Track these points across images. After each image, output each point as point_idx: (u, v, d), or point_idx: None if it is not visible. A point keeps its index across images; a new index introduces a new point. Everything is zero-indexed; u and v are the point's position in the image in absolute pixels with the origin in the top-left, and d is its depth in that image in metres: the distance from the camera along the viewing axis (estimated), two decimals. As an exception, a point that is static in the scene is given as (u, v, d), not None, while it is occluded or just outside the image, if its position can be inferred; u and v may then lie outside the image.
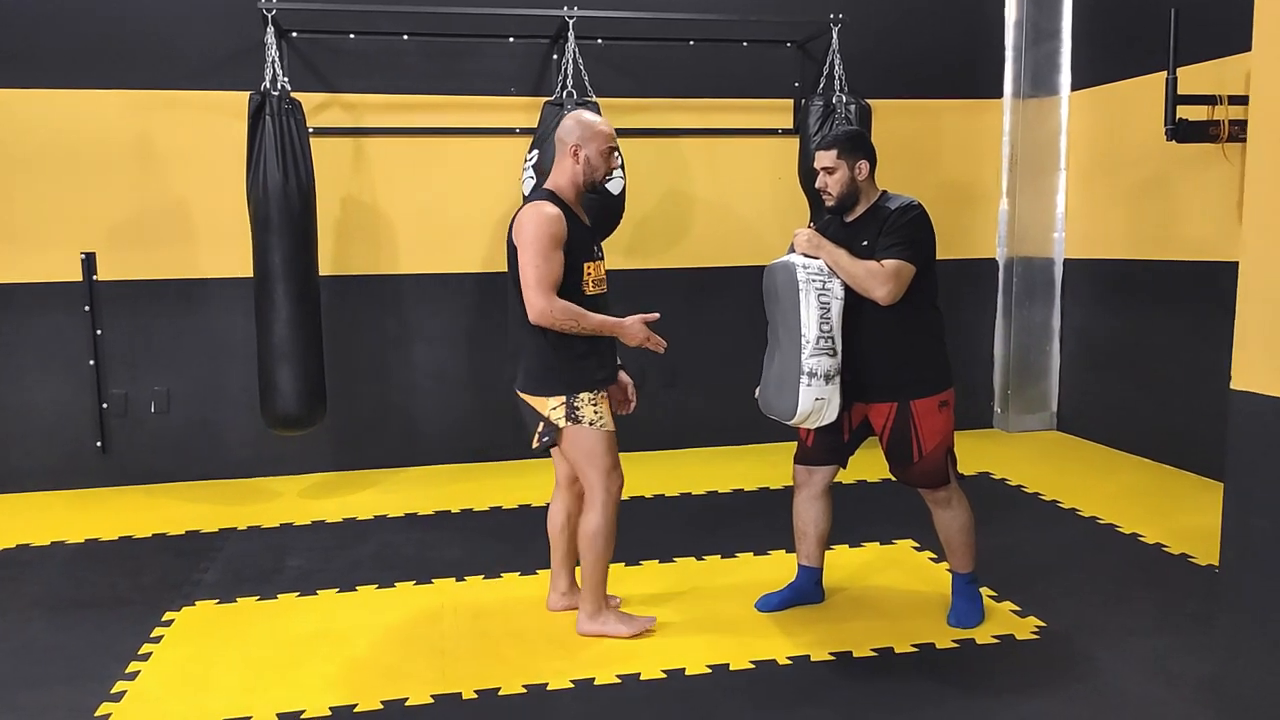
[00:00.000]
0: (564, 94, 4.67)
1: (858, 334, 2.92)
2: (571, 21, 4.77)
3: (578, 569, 3.17)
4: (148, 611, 3.34)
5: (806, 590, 3.31)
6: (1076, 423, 5.84)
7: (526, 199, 2.93)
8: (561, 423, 2.89)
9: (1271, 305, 1.69)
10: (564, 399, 2.88)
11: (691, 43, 5.36)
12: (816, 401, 2.85)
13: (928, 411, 2.98)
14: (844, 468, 3.22)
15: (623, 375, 3.13)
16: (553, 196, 2.89)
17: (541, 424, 2.91)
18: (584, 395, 2.89)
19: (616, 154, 3.02)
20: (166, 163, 4.91)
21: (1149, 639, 3.00)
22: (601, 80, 4.96)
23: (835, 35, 5.13)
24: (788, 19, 5.36)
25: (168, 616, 3.30)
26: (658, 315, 2.99)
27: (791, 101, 5.52)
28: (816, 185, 3.05)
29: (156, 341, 5.01)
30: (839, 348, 2.87)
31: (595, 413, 2.91)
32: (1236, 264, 4.55)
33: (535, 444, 2.95)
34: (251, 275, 4.47)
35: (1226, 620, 1.99)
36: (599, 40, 5.19)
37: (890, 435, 3.01)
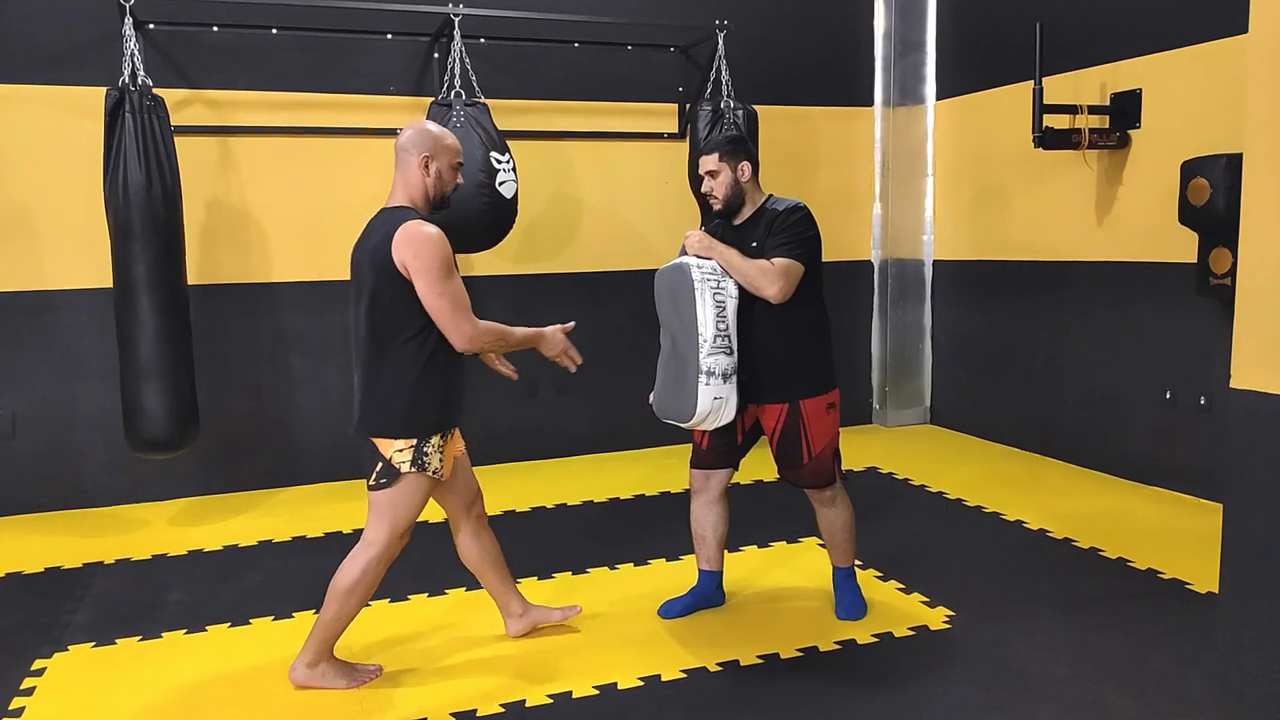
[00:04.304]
0: (451, 94, 4.52)
1: (749, 334, 2.95)
2: (457, 19, 4.62)
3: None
4: (14, 660, 3.00)
5: (709, 594, 3.31)
6: (948, 416, 6.12)
7: (384, 218, 2.68)
8: (405, 467, 2.64)
9: (1270, 301, 1.74)
10: (414, 442, 2.65)
11: (576, 45, 5.30)
12: (715, 401, 2.86)
13: (817, 414, 3.03)
14: (736, 470, 3.24)
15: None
16: (418, 214, 2.69)
17: (380, 465, 2.66)
18: (434, 440, 2.68)
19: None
20: (9, 164, 4.46)
21: (1051, 621, 3.15)
22: (484, 80, 4.83)
23: (721, 42, 5.18)
24: (671, 23, 5.38)
25: (38, 665, 2.98)
26: (574, 324, 2.93)
27: (676, 106, 5.54)
28: (702, 190, 3.08)
29: (-2, 360, 4.54)
30: (735, 346, 2.90)
31: (440, 460, 2.70)
32: (1092, 263, 4.88)
33: (370, 484, 2.71)
34: (110, 286, 4.11)
35: (1228, 638, 1.93)
36: (482, 40, 5.06)
37: (781, 437, 3.05)
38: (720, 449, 3.15)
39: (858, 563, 3.42)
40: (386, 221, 2.65)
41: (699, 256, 2.96)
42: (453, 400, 2.74)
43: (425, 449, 2.66)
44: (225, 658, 3.03)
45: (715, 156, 3.00)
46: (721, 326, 2.86)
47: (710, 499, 3.21)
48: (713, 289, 2.87)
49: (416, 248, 2.55)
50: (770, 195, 3.08)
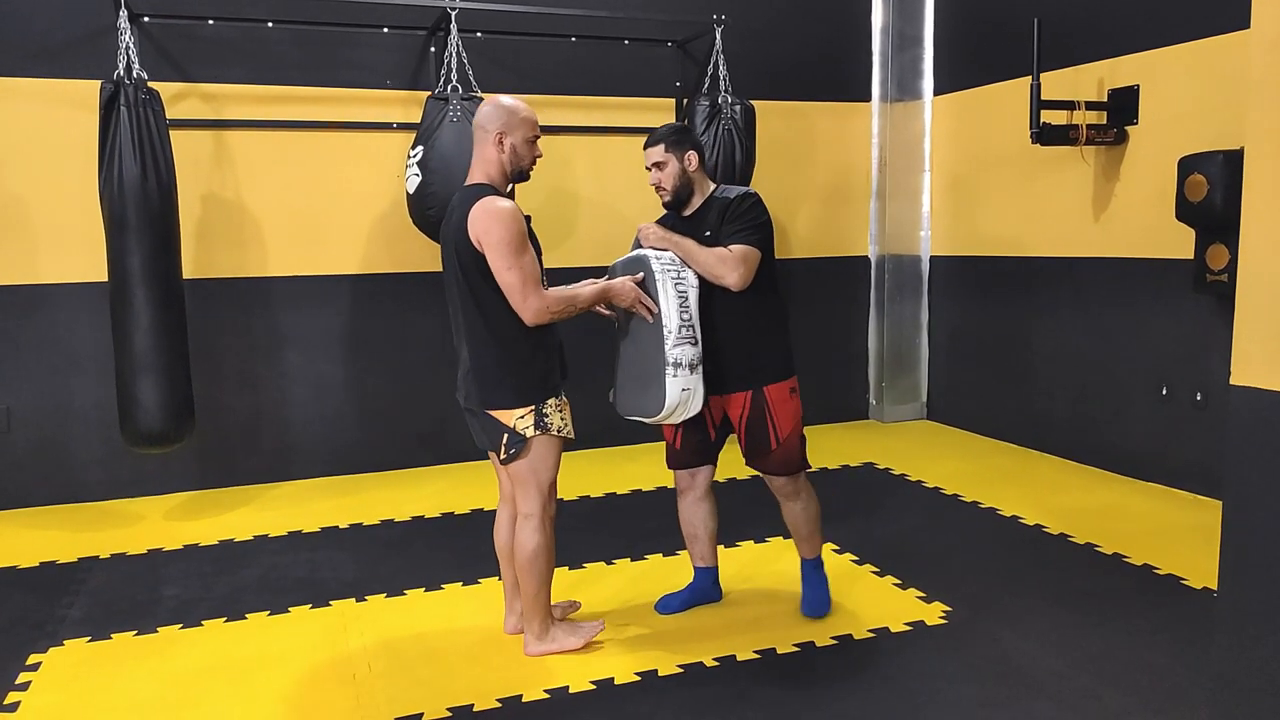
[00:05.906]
0: (448, 88, 4.50)
1: (709, 324, 2.93)
2: (454, 13, 4.61)
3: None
4: (9, 655, 2.99)
5: (705, 590, 3.31)
6: (944, 411, 6.12)
7: (463, 196, 2.74)
8: (530, 432, 2.74)
9: (1271, 297, 1.72)
10: (533, 408, 2.74)
11: (573, 39, 5.29)
12: (683, 393, 2.83)
13: (781, 399, 3.02)
14: (715, 465, 3.22)
15: None
16: (494, 190, 2.74)
17: (506, 436, 2.75)
18: (551, 401, 2.77)
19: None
20: (3, 158, 4.43)
21: (1048, 616, 3.15)
22: (481, 75, 4.82)
23: (719, 36, 5.17)
24: (668, 18, 5.36)
25: (33, 659, 2.97)
26: (643, 275, 2.89)
27: (673, 101, 5.53)
28: (650, 183, 3.04)
29: (-8, 354, 4.52)
30: (699, 336, 2.87)
31: (562, 419, 2.80)
32: (1089, 259, 4.88)
33: (503, 458, 2.78)
34: (104, 280, 4.10)
35: (1226, 633, 1.91)
36: (478, 34, 5.05)
37: (748, 425, 3.03)
38: (695, 447, 3.14)
39: (853, 557, 3.42)
40: (464, 200, 2.71)
41: (654, 249, 2.94)
42: (555, 363, 2.81)
43: (544, 411, 2.75)
44: (220, 652, 3.02)
45: (661, 148, 2.96)
46: (685, 317, 2.83)
47: (696, 497, 3.21)
48: (674, 279, 2.84)
49: (488, 223, 2.62)
50: (719, 184, 3.07)
